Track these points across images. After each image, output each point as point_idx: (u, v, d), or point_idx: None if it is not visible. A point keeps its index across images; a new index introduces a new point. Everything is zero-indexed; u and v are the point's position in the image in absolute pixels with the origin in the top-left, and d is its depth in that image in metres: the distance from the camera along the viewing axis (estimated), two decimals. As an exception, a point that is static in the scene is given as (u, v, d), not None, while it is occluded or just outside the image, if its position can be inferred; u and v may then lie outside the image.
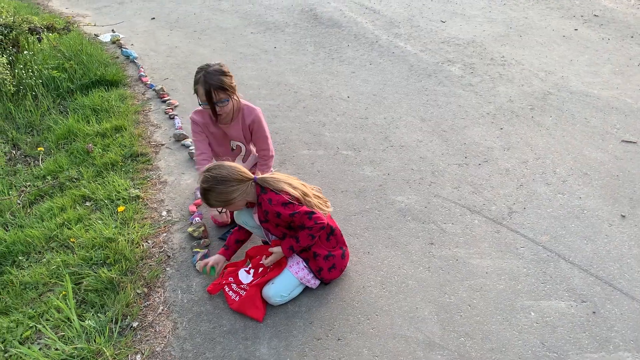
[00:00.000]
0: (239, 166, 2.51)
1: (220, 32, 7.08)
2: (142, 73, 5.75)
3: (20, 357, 2.38)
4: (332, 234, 2.67)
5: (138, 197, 3.55)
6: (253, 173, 2.57)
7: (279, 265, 2.66)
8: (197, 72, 2.86)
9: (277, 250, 2.62)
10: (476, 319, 2.50)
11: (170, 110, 4.81)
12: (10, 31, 5.37)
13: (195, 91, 2.89)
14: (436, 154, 3.90)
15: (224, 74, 2.85)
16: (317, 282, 2.66)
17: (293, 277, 2.60)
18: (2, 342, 2.53)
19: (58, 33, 6.08)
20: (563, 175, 3.57)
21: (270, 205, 2.46)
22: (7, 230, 3.39)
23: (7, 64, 4.96)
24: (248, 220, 2.78)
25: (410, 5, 7.65)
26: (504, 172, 3.64)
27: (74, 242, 3.12)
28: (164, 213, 3.41)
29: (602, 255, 2.86)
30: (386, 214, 3.27)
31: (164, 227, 3.28)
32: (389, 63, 5.69)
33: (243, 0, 8.43)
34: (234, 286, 2.68)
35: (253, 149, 3.30)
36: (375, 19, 7.12)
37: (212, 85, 2.79)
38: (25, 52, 5.37)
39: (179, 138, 4.28)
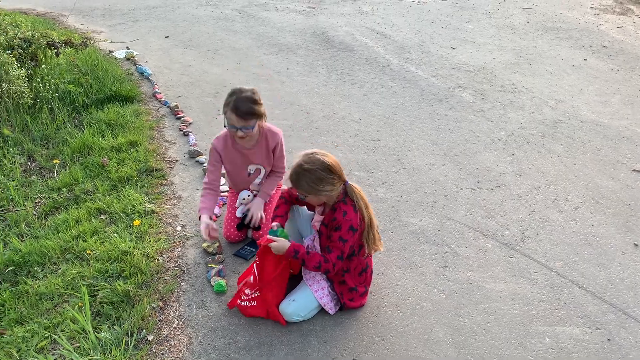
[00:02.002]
0: (339, 163, 2.54)
1: (233, 52, 7.18)
2: (157, 90, 5.82)
3: (36, 367, 2.39)
4: (365, 271, 2.69)
5: (153, 211, 3.58)
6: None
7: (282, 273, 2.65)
8: (230, 95, 2.87)
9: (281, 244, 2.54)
10: (491, 342, 2.51)
11: (185, 127, 4.86)
12: (29, 45, 5.45)
13: (224, 113, 2.90)
14: (449, 178, 3.93)
15: (255, 102, 2.86)
16: (336, 309, 2.67)
17: (314, 299, 2.61)
18: (18, 352, 2.54)
19: (75, 48, 6.18)
20: (575, 203, 3.60)
21: (343, 217, 2.47)
22: (22, 241, 3.41)
23: (26, 77, 5.03)
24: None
25: (420, 31, 7.77)
26: (516, 198, 3.66)
27: (90, 254, 3.14)
28: (179, 228, 3.44)
29: (615, 282, 2.87)
30: (400, 236, 3.29)
31: (179, 241, 3.30)
32: (400, 87, 5.77)
33: (256, 22, 8.57)
34: (244, 296, 2.69)
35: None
36: (386, 44, 7.23)
37: (242, 111, 2.81)
38: (43, 66, 5.44)
39: (193, 154, 4.33)
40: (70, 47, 6.06)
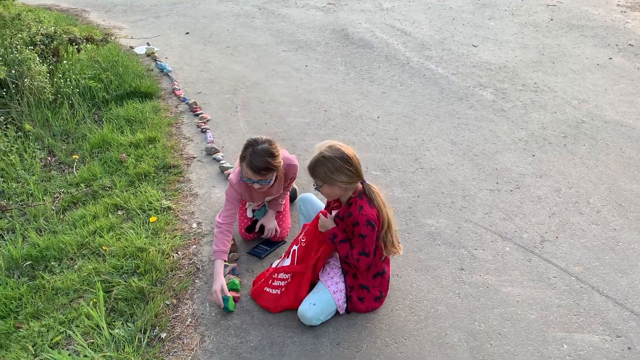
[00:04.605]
0: (359, 159, 2.54)
1: (253, 48, 7.18)
2: (176, 86, 5.84)
3: (51, 362, 2.41)
4: (380, 275, 2.66)
5: (169, 208, 3.59)
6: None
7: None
8: (245, 148, 2.76)
9: (328, 221, 2.60)
10: (507, 348, 2.46)
11: (203, 124, 4.87)
12: (52, 41, 5.52)
13: (240, 165, 2.80)
14: (467, 178, 3.87)
15: (272, 155, 2.75)
16: (344, 306, 2.64)
17: (333, 302, 2.58)
18: (33, 346, 2.56)
19: (96, 44, 6.23)
20: (597, 206, 3.51)
21: (359, 212, 2.45)
22: (40, 235, 3.45)
23: (47, 72, 5.08)
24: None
25: (441, 28, 7.67)
26: (536, 200, 3.59)
27: (106, 249, 3.16)
28: (194, 225, 3.44)
29: (638, 289, 2.79)
30: (416, 237, 3.25)
31: (194, 239, 3.31)
32: (419, 85, 5.70)
33: (276, 19, 8.55)
34: (277, 277, 2.70)
35: None
36: (406, 41, 7.15)
37: (258, 167, 2.71)
38: (64, 61, 5.50)
39: (210, 152, 4.33)
40: (91, 43, 6.11)
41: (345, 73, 6.15)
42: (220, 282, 2.70)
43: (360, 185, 2.57)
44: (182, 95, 5.60)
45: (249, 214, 3.24)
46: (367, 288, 2.64)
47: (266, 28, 8.12)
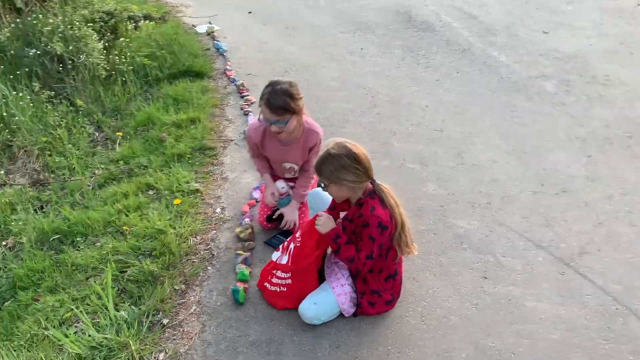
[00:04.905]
0: (369, 158, 2.41)
1: (311, 29, 7.05)
2: (228, 67, 5.84)
3: (55, 339, 2.46)
4: (392, 278, 2.52)
5: (197, 191, 3.59)
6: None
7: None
8: (266, 87, 2.74)
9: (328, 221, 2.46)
10: (519, 370, 2.26)
11: (246, 107, 4.84)
12: (111, 18, 5.66)
13: (259, 105, 2.78)
14: (510, 178, 3.60)
15: (291, 95, 2.69)
16: (352, 311, 2.52)
17: (335, 303, 2.47)
18: (45, 320, 2.64)
19: (155, 22, 6.34)
20: (653, 217, 3.16)
21: (370, 213, 2.32)
22: (74, 210, 3.55)
23: (103, 49, 5.22)
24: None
25: (512, 12, 7.19)
26: (582, 206, 3.28)
27: (127, 229, 3.20)
28: (218, 210, 3.42)
29: (684, 317, 2.48)
30: (442, 238, 3.06)
31: (215, 224, 3.29)
32: (477, 73, 5.37)
33: (340, -1, 8.35)
34: (276, 274, 2.61)
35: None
36: (472, 25, 6.76)
37: (275, 105, 2.66)
38: (121, 39, 5.63)
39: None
40: (150, 21, 6.22)
41: (401, 57, 5.90)
42: (272, 188, 3.07)
43: (370, 185, 2.41)
44: (232, 76, 5.59)
45: (268, 199, 3.13)
46: (379, 292, 2.51)
47: (329, 8, 7.95)
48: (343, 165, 2.31)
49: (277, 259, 2.65)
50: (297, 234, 2.60)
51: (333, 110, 4.70)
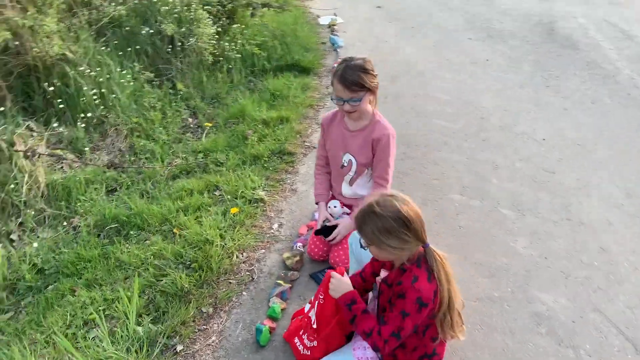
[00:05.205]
0: (423, 219, 1.95)
1: (437, 31, 6.52)
2: (336, 65, 5.55)
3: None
4: (428, 358, 2.09)
5: (261, 200, 3.37)
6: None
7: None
8: (339, 64, 2.53)
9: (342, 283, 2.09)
10: None
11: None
12: (230, 2, 5.61)
13: (332, 83, 2.58)
14: (625, 250, 2.93)
15: (365, 70, 2.47)
16: None
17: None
18: (72, 316, 2.57)
19: (274, 10, 6.22)
20: None
21: (411, 284, 1.91)
22: (141, 199, 3.50)
23: (215, 34, 5.17)
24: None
25: (681, 35, 6.07)
26: None
27: (177, 232, 3.07)
28: (275, 226, 3.17)
29: None
30: (516, 314, 2.53)
31: (267, 242, 3.04)
32: (618, 106, 4.55)
33: (478, 0, 7.67)
34: (304, 337, 2.30)
35: (364, 177, 2.80)
36: (624, 47, 5.80)
37: (349, 80, 2.44)
38: (235, 25, 5.57)
39: (332, 144, 3.98)
40: (269, 9, 6.11)
41: (529, 76, 5.21)
42: (324, 215, 2.80)
43: (421, 249, 1.98)
44: (338, 75, 5.30)
45: (318, 226, 2.80)
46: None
47: (461, 10, 7.34)
48: (387, 229, 1.90)
49: (308, 311, 2.32)
50: (321, 291, 2.24)
51: (433, 128, 4.23)
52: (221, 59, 5.25)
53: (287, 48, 5.69)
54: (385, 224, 1.89)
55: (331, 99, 2.67)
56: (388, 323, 1.92)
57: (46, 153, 3.62)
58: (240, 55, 5.33)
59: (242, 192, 3.41)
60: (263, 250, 2.97)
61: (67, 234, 3.26)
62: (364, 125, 2.67)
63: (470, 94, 4.83)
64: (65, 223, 3.34)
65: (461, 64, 5.55)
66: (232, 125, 4.41)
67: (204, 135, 4.31)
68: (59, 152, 3.72)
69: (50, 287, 2.86)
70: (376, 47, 6.07)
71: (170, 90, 4.77)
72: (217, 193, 3.49)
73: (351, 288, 2.06)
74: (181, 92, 4.80)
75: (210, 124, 4.43)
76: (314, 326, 2.20)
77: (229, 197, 3.38)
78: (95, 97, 4.15)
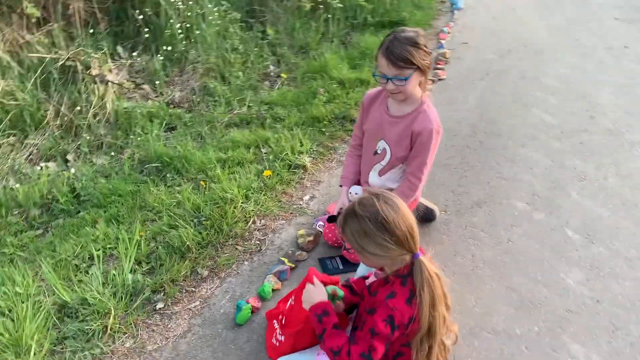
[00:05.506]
0: (415, 226, 1.68)
1: (579, 6, 5.66)
2: (446, 28, 5.04)
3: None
4: None
5: (303, 166, 3.18)
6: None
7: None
8: (387, 35, 2.18)
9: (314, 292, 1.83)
10: None
11: (429, 83, 4.10)
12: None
13: (375, 57, 2.22)
14: None
15: (416, 45, 2.10)
16: None
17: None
18: (81, 248, 2.63)
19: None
20: None
21: (384, 297, 1.67)
22: (192, 142, 3.47)
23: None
24: None
25: None
26: None
27: (204, 185, 2.99)
28: (306, 197, 2.99)
29: None
30: (532, 360, 2.13)
31: (290, 213, 2.87)
32: None
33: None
34: (277, 328, 2.13)
35: (397, 171, 2.47)
36: None
37: (396, 55, 2.09)
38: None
39: (402, 119, 3.64)
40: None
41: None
42: (343, 201, 2.50)
43: (409, 265, 1.68)
44: (444, 40, 4.82)
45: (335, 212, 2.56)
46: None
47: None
48: (365, 231, 1.63)
49: (288, 305, 2.12)
50: (292, 297, 2.03)
51: (527, 118, 3.68)
52: (321, 6, 4.98)
53: (397, 2, 5.26)
54: (363, 226, 1.63)
55: (373, 75, 2.32)
56: (358, 343, 1.68)
57: (115, 81, 3.69)
58: (342, 6, 5.02)
59: (285, 154, 3.23)
60: (283, 221, 2.81)
61: (111, 165, 3.33)
62: (408, 112, 2.31)
63: (587, 85, 4.13)
64: (115, 153, 3.42)
65: (592, 47, 4.76)
66: (308, 80, 4.20)
67: (277, 86, 4.15)
68: (126, 82, 3.78)
69: (80, 213, 2.96)
70: (499, 15, 5.42)
71: (259, 34, 4.64)
72: (264, 150, 3.35)
73: (325, 298, 1.82)
74: (269, 37, 4.65)
75: (285, 75, 4.26)
76: (283, 322, 2.02)
77: (271, 157, 3.23)
78: (180, 31, 4.15)
